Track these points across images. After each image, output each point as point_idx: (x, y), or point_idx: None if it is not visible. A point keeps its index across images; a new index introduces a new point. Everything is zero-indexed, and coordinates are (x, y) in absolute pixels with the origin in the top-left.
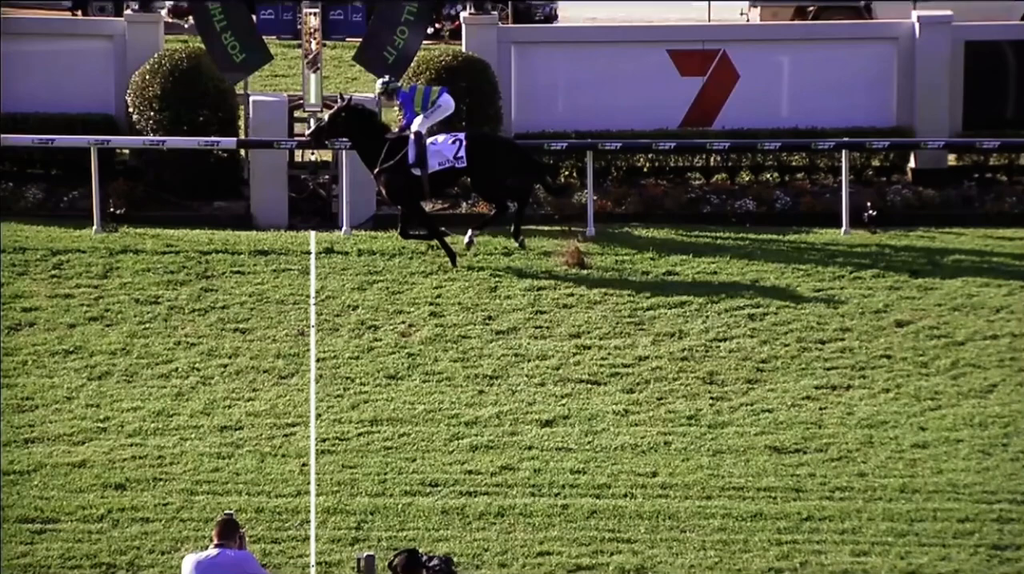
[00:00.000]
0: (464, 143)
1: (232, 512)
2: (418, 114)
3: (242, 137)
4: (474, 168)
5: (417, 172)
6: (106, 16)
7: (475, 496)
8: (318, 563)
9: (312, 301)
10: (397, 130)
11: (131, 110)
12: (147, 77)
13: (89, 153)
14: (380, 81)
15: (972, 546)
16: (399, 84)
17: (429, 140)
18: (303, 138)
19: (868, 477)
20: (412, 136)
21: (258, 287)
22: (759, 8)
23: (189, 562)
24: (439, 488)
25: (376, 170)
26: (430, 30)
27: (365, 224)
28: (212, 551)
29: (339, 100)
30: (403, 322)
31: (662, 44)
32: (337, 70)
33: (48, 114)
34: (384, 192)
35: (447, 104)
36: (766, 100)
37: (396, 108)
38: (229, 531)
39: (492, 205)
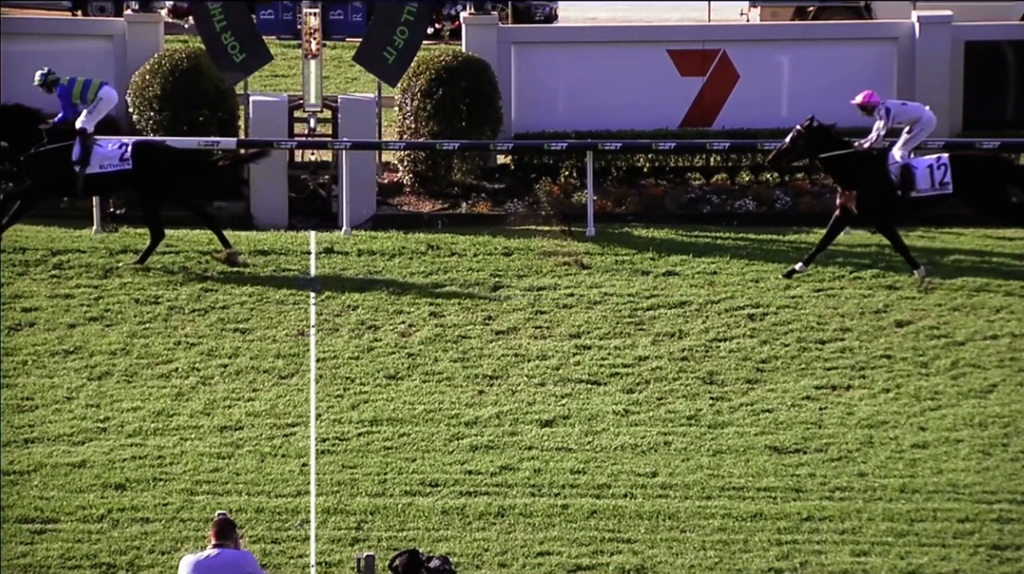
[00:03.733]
0: (131, 147)
1: (226, 512)
2: (79, 107)
3: (242, 137)
4: (140, 173)
5: (77, 170)
6: (106, 16)
7: (475, 496)
8: (318, 563)
9: (312, 301)
10: (52, 123)
11: (131, 110)
12: (147, 77)
13: None
14: (39, 73)
15: (972, 546)
16: (57, 77)
17: (100, 141)
18: None
19: (868, 477)
20: (78, 133)
21: (258, 287)
22: (759, 8)
23: (188, 562)
24: (439, 488)
25: (29, 153)
26: (430, 30)
27: (365, 224)
28: (211, 551)
29: None
30: (403, 322)
31: (662, 44)
32: (337, 70)
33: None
34: (29, 178)
35: (109, 97)
36: (766, 100)
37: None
38: (226, 531)
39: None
